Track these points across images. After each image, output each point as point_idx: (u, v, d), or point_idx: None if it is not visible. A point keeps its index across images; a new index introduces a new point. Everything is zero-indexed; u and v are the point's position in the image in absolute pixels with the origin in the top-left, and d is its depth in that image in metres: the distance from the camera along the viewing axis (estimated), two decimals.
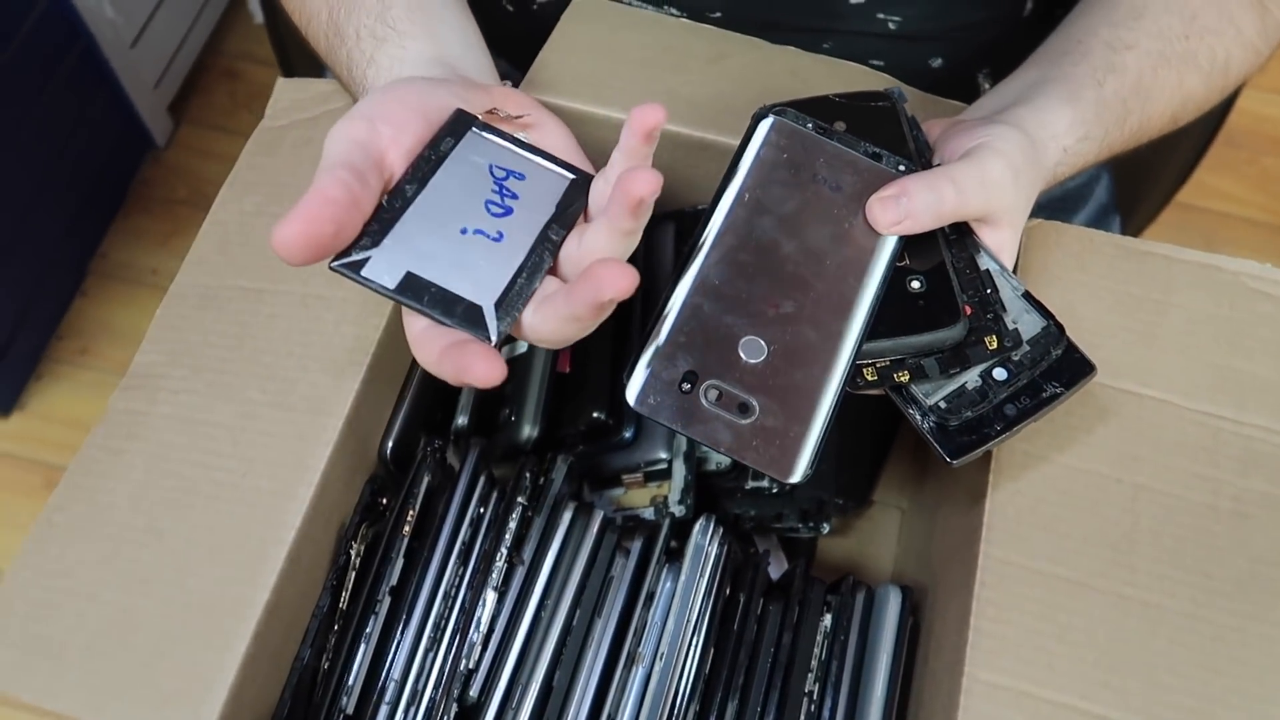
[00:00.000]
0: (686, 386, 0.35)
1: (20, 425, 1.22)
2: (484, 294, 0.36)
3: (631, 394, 0.35)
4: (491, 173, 0.39)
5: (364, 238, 0.36)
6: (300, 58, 0.85)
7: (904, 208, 0.39)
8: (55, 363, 1.25)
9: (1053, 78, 0.47)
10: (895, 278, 0.39)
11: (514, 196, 0.39)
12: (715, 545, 0.44)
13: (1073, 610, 0.40)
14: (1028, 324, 0.40)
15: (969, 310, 0.40)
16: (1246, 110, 1.52)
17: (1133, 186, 0.77)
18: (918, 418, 0.39)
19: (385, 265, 0.36)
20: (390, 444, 0.47)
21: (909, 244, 0.40)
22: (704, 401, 0.35)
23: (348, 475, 0.44)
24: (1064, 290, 0.47)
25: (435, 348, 0.35)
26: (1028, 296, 0.41)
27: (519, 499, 0.44)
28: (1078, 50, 0.48)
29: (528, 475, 0.45)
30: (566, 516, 0.45)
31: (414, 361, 0.48)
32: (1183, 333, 0.46)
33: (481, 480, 0.45)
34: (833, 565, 0.52)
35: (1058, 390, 0.39)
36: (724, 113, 0.51)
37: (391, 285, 0.35)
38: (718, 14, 0.57)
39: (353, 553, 0.44)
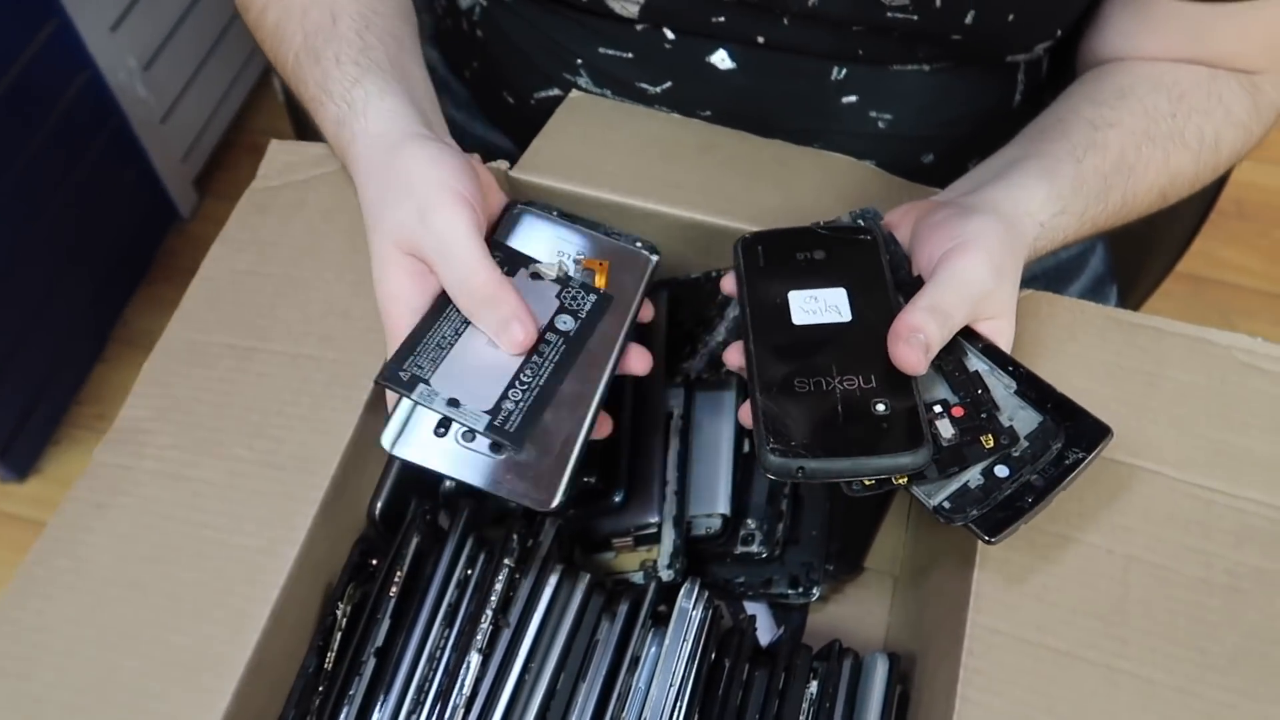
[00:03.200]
0: (441, 431, 0.40)
1: (36, 489, 1.23)
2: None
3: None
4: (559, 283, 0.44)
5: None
6: (315, 132, 0.88)
7: (924, 343, 0.39)
8: (73, 428, 1.27)
9: (1030, 154, 0.48)
10: (859, 400, 0.40)
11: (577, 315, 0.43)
12: (700, 609, 0.44)
13: (1062, 682, 0.39)
14: (1023, 420, 0.41)
15: (960, 412, 0.41)
16: (1256, 184, 1.54)
17: (1130, 257, 0.78)
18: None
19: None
20: (380, 505, 0.47)
21: (880, 370, 0.40)
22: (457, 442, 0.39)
23: (336, 535, 0.44)
24: (1055, 361, 0.47)
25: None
26: (1020, 394, 0.41)
27: (506, 561, 0.44)
28: (1058, 128, 0.49)
29: (515, 537, 0.45)
30: (553, 579, 0.45)
31: None
32: (1175, 405, 0.46)
33: (470, 542, 0.46)
34: (825, 632, 0.51)
35: (1080, 455, 0.40)
36: (713, 195, 0.52)
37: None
38: (707, 113, 0.58)
39: (339, 613, 0.44)
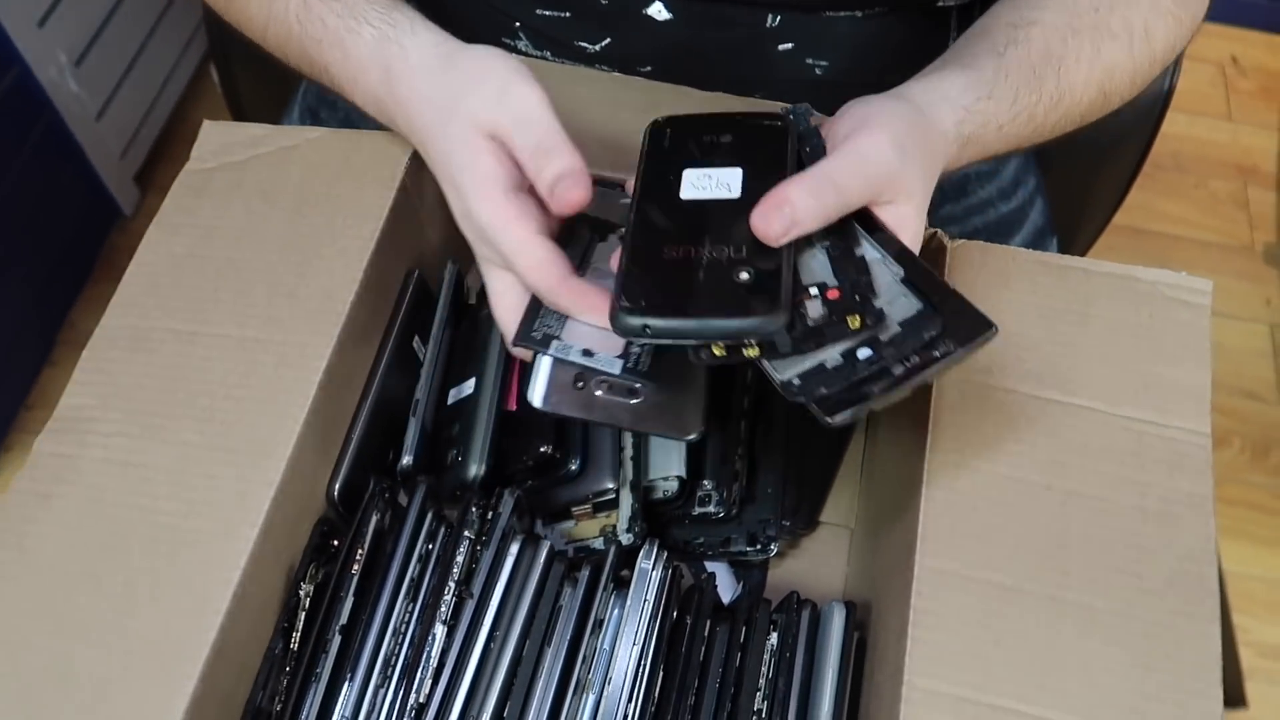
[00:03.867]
0: (580, 384, 0.43)
1: None
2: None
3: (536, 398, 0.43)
4: None
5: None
6: (256, 114, 0.87)
7: (788, 216, 0.39)
8: (23, 433, 1.25)
9: (950, 56, 0.49)
10: (724, 268, 0.39)
11: None
12: (659, 569, 0.45)
13: (1008, 615, 0.41)
14: (901, 307, 0.40)
15: (835, 294, 0.40)
16: (1192, 136, 1.57)
17: (1069, 209, 0.80)
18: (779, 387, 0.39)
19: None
20: (338, 485, 0.47)
21: (754, 243, 0.40)
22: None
23: (295, 516, 0.45)
24: (989, 307, 0.47)
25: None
26: (906, 282, 0.40)
27: (465, 533, 0.45)
28: (978, 33, 0.50)
29: (474, 510, 0.46)
30: (514, 549, 0.46)
31: (360, 402, 0.49)
32: (1104, 342, 0.47)
33: (429, 517, 0.46)
34: (784, 587, 0.52)
35: (950, 349, 0.38)
36: None
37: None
38: (648, 68, 0.59)
39: (302, 593, 0.45)
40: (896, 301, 0.40)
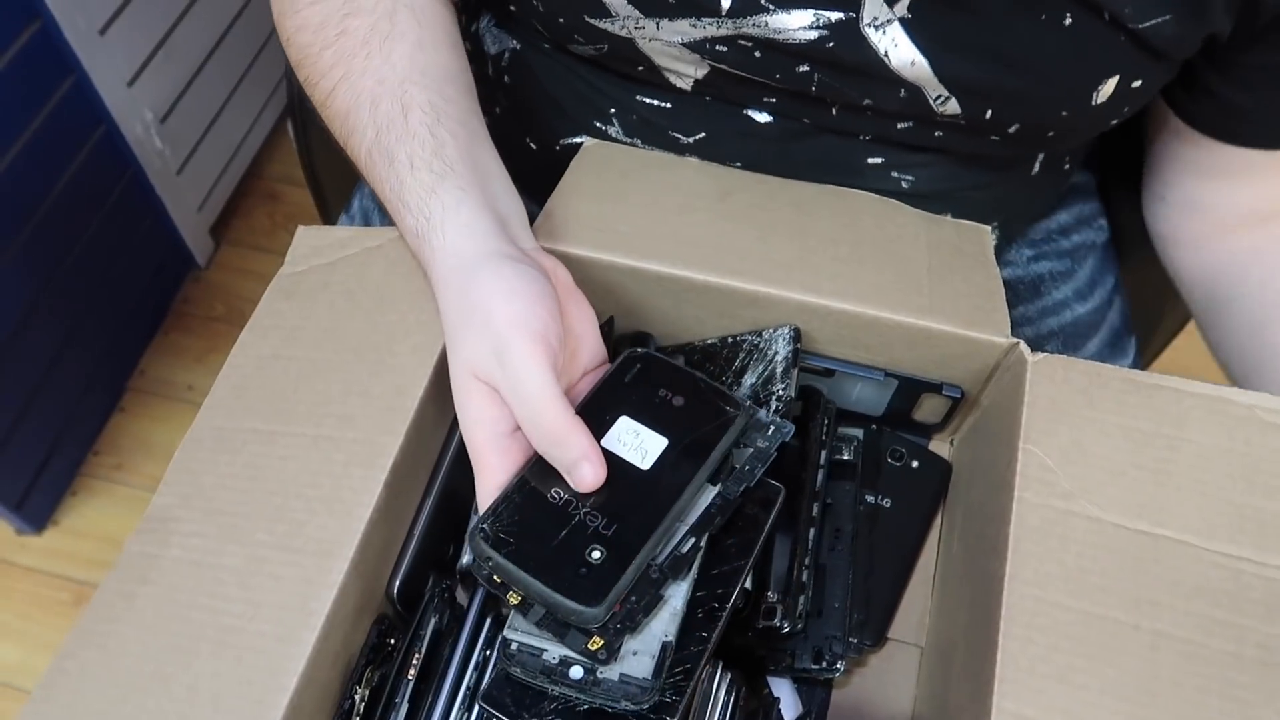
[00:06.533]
0: None
1: (53, 541, 1.24)
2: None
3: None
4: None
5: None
6: (329, 176, 0.89)
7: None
8: (90, 478, 1.28)
9: None
10: (584, 537, 0.40)
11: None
12: (724, 692, 0.44)
13: None
14: (638, 664, 0.40)
15: (619, 607, 0.39)
16: None
17: (1149, 304, 0.77)
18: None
19: None
20: (398, 583, 0.47)
21: (626, 526, 0.41)
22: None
23: (354, 615, 0.44)
24: (1072, 427, 0.46)
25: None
26: (664, 648, 0.40)
27: None
28: None
29: None
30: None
31: (423, 497, 0.49)
32: (1197, 469, 0.45)
33: (488, 623, 0.45)
34: (850, 707, 0.51)
35: None
36: (727, 253, 0.52)
37: None
38: (737, 164, 0.59)
39: (357, 697, 0.44)
40: (642, 658, 0.40)
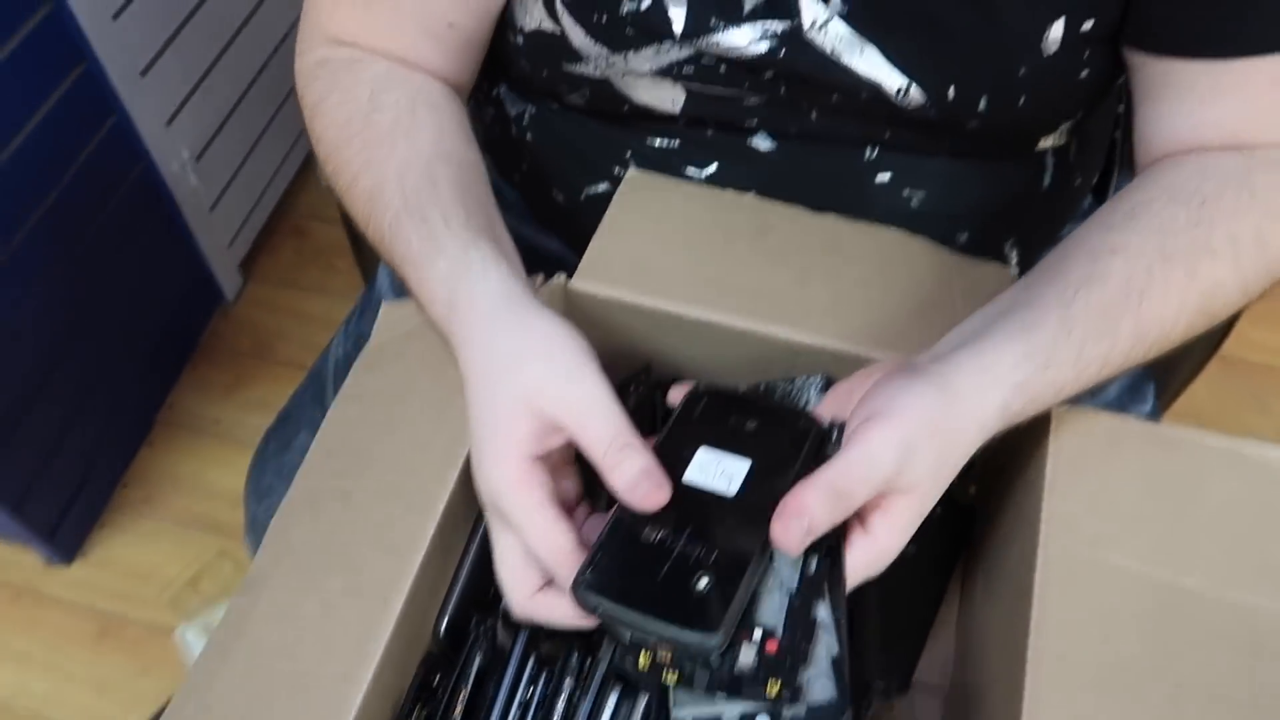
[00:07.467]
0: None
1: (80, 573, 1.25)
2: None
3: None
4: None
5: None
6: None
7: (806, 525, 0.39)
8: (118, 512, 1.29)
9: (1016, 305, 0.47)
10: (688, 568, 0.40)
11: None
12: None
13: None
14: (820, 689, 0.39)
15: (773, 647, 0.39)
16: None
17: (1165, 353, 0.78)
18: None
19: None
20: (445, 622, 0.49)
21: (727, 550, 0.40)
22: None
23: (404, 654, 0.46)
24: (1095, 478, 0.48)
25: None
26: (836, 664, 0.40)
27: (567, 679, 0.46)
28: (1056, 267, 0.48)
29: (575, 655, 0.46)
30: (613, 698, 0.46)
31: (469, 537, 0.51)
32: (1216, 520, 0.47)
33: (531, 661, 0.47)
34: None
35: None
36: (763, 300, 0.55)
37: None
38: (750, 192, 0.61)
39: None
40: (818, 681, 0.40)
